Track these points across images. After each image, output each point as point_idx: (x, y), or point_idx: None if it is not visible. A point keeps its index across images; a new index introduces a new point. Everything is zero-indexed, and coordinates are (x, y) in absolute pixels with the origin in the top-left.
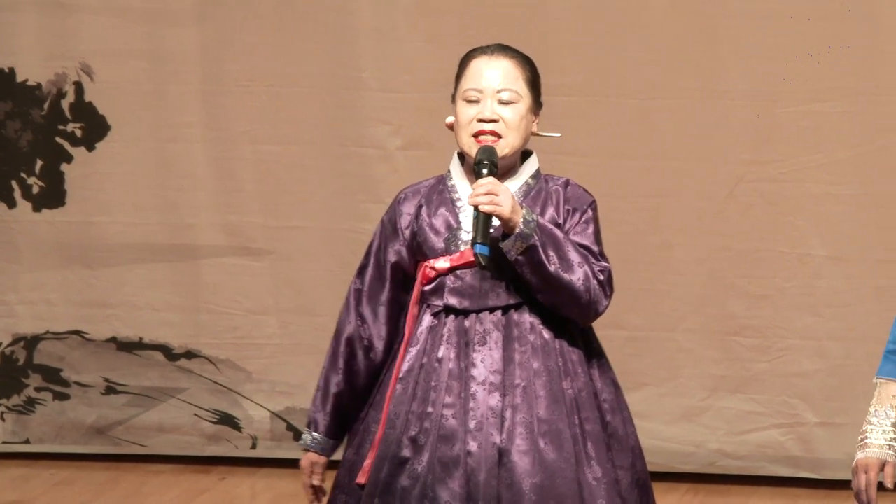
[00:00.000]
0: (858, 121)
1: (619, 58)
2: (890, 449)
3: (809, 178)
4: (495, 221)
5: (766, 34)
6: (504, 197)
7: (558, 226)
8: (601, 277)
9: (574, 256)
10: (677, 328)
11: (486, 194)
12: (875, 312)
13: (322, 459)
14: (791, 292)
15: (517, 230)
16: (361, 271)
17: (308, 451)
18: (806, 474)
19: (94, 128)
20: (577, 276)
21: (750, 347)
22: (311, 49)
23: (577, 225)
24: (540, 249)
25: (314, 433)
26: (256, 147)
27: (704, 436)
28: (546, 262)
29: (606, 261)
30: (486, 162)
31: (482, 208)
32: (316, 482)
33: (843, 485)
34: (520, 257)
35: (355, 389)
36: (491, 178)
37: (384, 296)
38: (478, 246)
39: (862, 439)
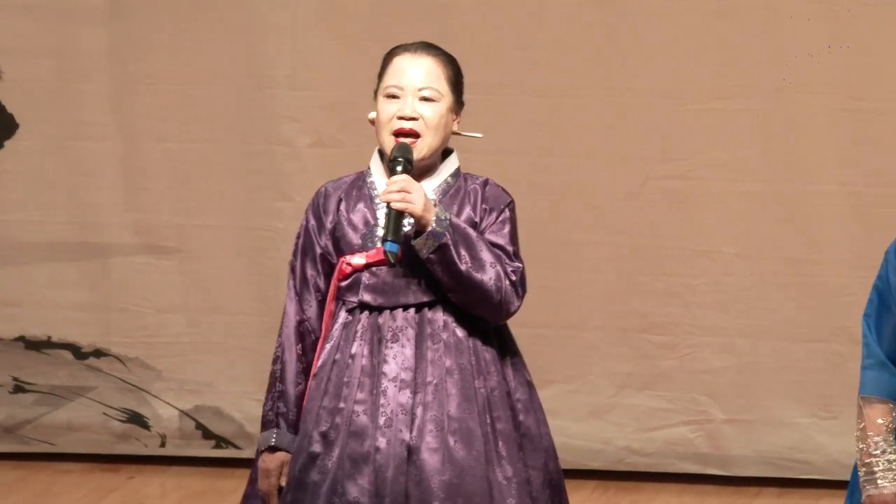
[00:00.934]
0: (764, 118)
1: (526, 56)
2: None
3: (716, 176)
4: (411, 220)
5: (670, 31)
6: (417, 195)
7: (474, 225)
8: (513, 278)
9: (487, 256)
10: (585, 326)
11: (399, 192)
12: (782, 309)
13: (289, 457)
14: (699, 289)
15: (429, 228)
16: (293, 268)
17: (277, 450)
18: (714, 471)
19: (2, 126)
20: (489, 275)
21: (658, 345)
22: (221, 47)
23: (493, 224)
24: (451, 248)
25: (286, 430)
26: (165, 145)
27: (613, 433)
28: (457, 262)
29: (521, 261)
30: (400, 159)
31: (394, 205)
32: (283, 482)
33: (751, 482)
34: (431, 256)
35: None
36: (404, 176)
37: (319, 288)
38: (388, 243)
39: (868, 473)
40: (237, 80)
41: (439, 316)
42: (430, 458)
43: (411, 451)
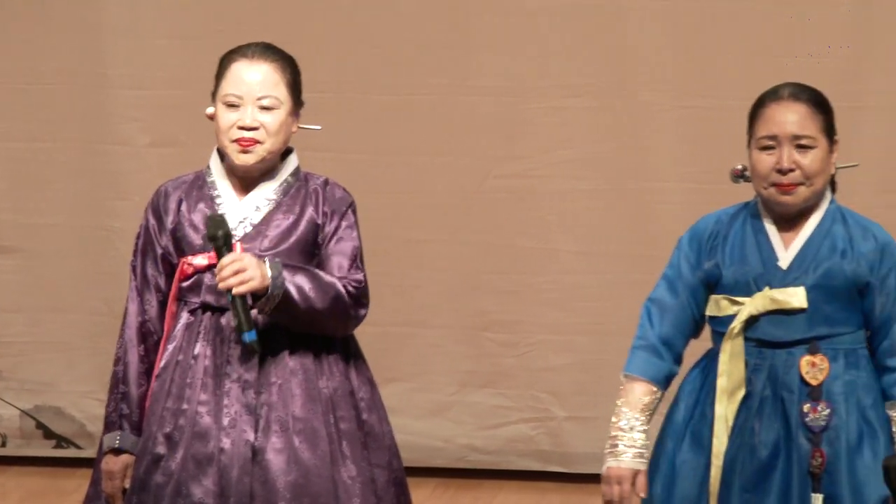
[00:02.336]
0: (605, 117)
1: (370, 54)
2: (641, 458)
3: (558, 174)
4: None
5: (515, 30)
6: (251, 269)
7: (317, 227)
8: (354, 293)
9: (323, 286)
10: (427, 324)
11: (235, 274)
12: (624, 307)
13: (133, 459)
14: (540, 287)
15: (268, 293)
16: (134, 268)
17: (121, 452)
18: (555, 468)
19: None
20: (327, 305)
21: (499, 342)
22: (59, 46)
23: (339, 231)
24: (293, 296)
25: (130, 432)
26: (5, 144)
27: (454, 431)
28: (298, 305)
29: (362, 270)
30: (220, 236)
31: (236, 291)
32: (127, 484)
33: (592, 478)
34: (273, 312)
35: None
36: (231, 255)
37: (161, 288)
38: (245, 335)
39: (612, 445)
40: (78, 80)
41: None
42: (275, 459)
43: (256, 452)
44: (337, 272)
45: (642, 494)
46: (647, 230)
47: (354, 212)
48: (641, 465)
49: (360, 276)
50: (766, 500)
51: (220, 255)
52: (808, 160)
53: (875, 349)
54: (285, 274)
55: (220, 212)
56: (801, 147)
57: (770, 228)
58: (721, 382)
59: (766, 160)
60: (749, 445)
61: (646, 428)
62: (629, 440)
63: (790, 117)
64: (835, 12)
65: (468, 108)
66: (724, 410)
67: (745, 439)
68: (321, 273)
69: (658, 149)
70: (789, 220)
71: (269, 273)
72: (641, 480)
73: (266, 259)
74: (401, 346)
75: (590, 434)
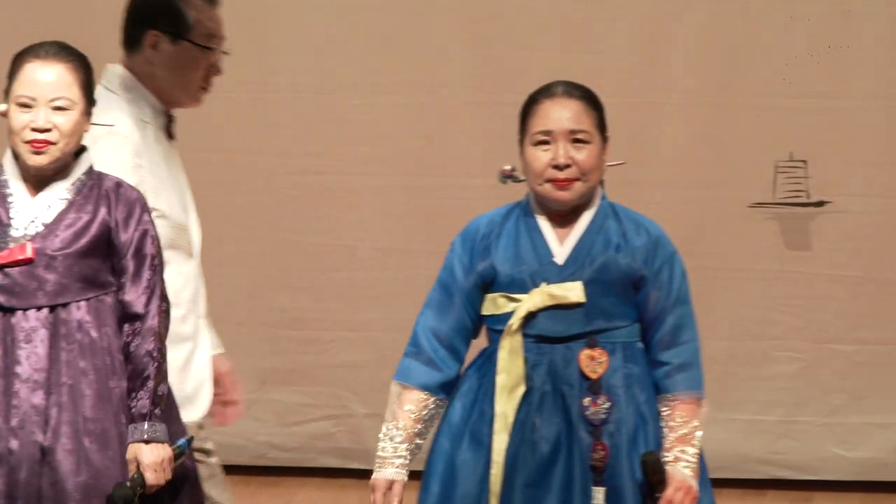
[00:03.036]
0: (404, 114)
1: None
2: (400, 467)
3: (358, 171)
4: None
5: (316, 26)
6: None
7: (108, 230)
8: (165, 312)
9: (147, 352)
10: (227, 321)
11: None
12: (421, 304)
13: None
14: (340, 284)
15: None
16: None
17: None
18: (355, 465)
19: None
20: (162, 367)
21: (299, 340)
22: None
23: (138, 241)
24: (164, 396)
25: None
26: None
27: (255, 428)
28: (165, 389)
29: (160, 283)
30: None
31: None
32: None
33: None
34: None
35: None
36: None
37: None
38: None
39: (379, 456)
40: None
41: (73, 316)
42: (65, 460)
43: (45, 453)
44: (144, 298)
45: (396, 501)
46: (447, 227)
47: (149, 212)
48: (399, 475)
49: (162, 290)
50: (549, 494)
51: None
52: (584, 156)
53: (649, 343)
54: (154, 412)
55: (11, 211)
56: (576, 142)
57: (544, 225)
58: (500, 380)
59: (541, 156)
60: (530, 441)
61: (410, 436)
62: (390, 450)
63: (565, 113)
64: (631, 12)
65: (267, 106)
66: (505, 407)
67: (526, 435)
68: (151, 355)
69: (458, 145)
70: (563, 217)
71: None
72: (396, 489)
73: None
74: None
75: None
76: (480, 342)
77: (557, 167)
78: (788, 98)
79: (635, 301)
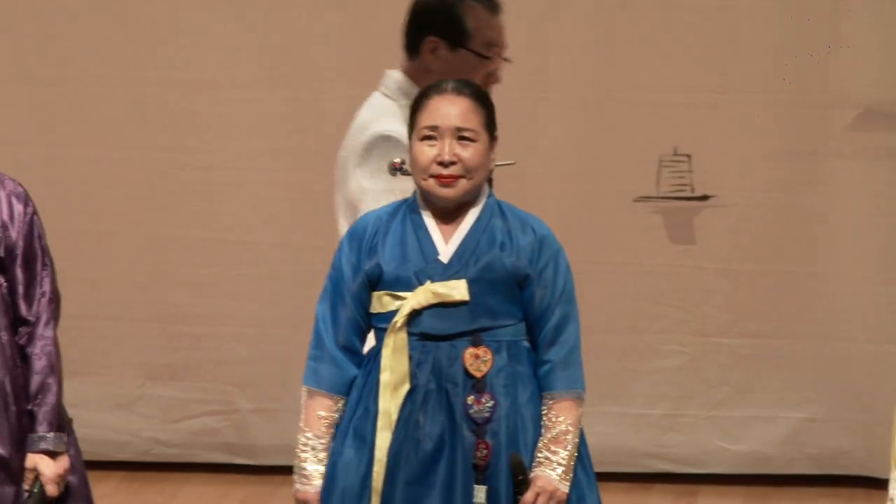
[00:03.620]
0: (291, 108)
1: (45, 46)
2: (322, 477)
3: (251, 166)
4: None
5: (194, 20)
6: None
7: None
8: (56, 312)
9: (47, 359)
10: (111, 316)
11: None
12: (311, 298)
13: None
14: (224, 279)
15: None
16: None
17: None
18: (241, 461)
19: None
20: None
21: (183, 335)
22: None
23: (24, 244)
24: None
25: None
26: None
27: (139, 424)
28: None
29: (51, 274)
30: None
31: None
32: None
33: (278, 470)
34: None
35: None
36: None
37: None
38: None
39: (299, 467)
40: None
41: None
42: None
43: None
44: (36, 307)
45: None
46: (330, 222)
47: (37, 214)
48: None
49: (53, 295)
50: (431, 492)
51: None
52: (469, 153)
53: (534, 341)
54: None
55: None
56: (462, 140)
57: (430, 223)
58: (385, 377)
59: (426, 151)
60: (414, 439)
61: (329, 444)
62: (315, 461)
63: (453, 110)
64: (512, 5)
65: (149, 100)
66: (388, 405)
67: (409, 433)
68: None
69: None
70: (448, 214)
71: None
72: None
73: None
74: (86, 339)
75: (275, 426)
76: None
77: (442, 163)
78: (672, 93)
79: (520, 299)
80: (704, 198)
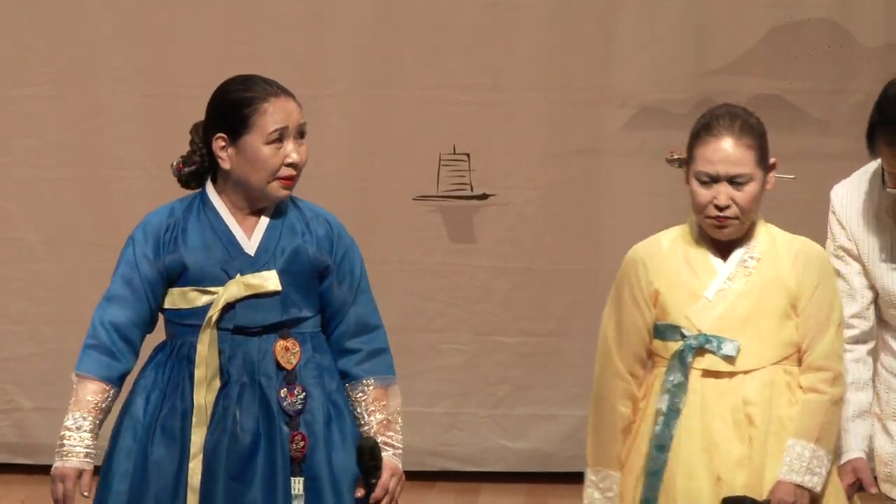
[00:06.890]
0: (65, 105)
1: None
2: (88, 457)
3: (19, 162)
4: None
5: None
6: None
7: None
8: None
9: None
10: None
11: None
12: (89, 295)
13: None
14: (5, 277)
15: None
16: None
17: None
18: (22, 460)
19: None
20: None
21: None
22: None
23: None
24: None
25: None
26: None
27: None
28: None
29: None
30: None
31: None
32: None
33: None
34: None
35: None
36: None
37: None
38: None
39: (60, 445)
40: None
41: None
42: None
43: None
44: None
45: (86, 493)
46: (109, 218)
47: None
48: (87, 464)
49: None
50: (251, 486)
51: None
52: (301, 152)
53: (332, 333)
54: None
55: None
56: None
57: (228, 218)
58: (199, 373)
59: (272, 153)
60: (231, 433)
61: (95, 427)
62: (76, 440)
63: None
64: (295, 4)
65: None
66: (203, 400)
67: (226, 427)
68: None
69: (120, 137)
70: (247, 209)
71: None
72: (86, 479)
73: None
74: None
75: (56, 425)
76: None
77: (294, 167)
78: (452, 90)
79: (318, 291)
80: (484, 196)
